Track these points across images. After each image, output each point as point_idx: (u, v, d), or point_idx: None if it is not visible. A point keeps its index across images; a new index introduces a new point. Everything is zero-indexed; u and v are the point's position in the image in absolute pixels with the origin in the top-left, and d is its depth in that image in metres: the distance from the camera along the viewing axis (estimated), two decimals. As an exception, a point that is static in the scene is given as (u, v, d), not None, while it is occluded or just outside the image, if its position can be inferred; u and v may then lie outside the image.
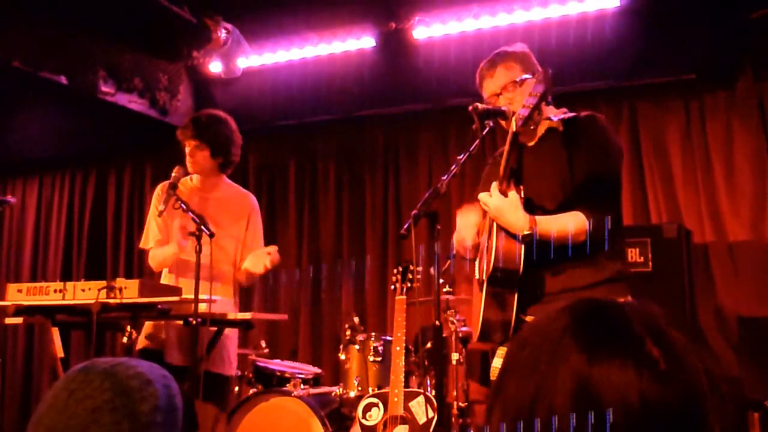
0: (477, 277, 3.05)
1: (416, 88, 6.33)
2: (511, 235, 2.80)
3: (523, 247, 2.78)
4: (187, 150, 4.12)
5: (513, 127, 2.76)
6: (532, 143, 3.05)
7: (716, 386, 0.92)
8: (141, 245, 4.29)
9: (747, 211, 5.48)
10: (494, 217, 2.84)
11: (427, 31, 6.11)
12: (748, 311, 5.27)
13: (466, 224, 3.10)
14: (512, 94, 3.01)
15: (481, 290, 2.92)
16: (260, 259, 4.07)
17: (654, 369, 0.88)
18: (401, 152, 6.77)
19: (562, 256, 2.81)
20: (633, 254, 4.95)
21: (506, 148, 2.79)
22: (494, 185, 2.83)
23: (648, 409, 0.86)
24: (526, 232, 2.75)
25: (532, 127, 2.93)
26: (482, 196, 2.86)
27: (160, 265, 4.17)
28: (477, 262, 3.08)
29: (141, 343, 4.09)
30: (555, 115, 3.01)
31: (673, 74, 5.64)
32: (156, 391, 1.24)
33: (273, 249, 4.09)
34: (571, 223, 2.80)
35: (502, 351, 2.95)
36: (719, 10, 5.31)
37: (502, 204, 2.78)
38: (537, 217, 2.78)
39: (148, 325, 4.12)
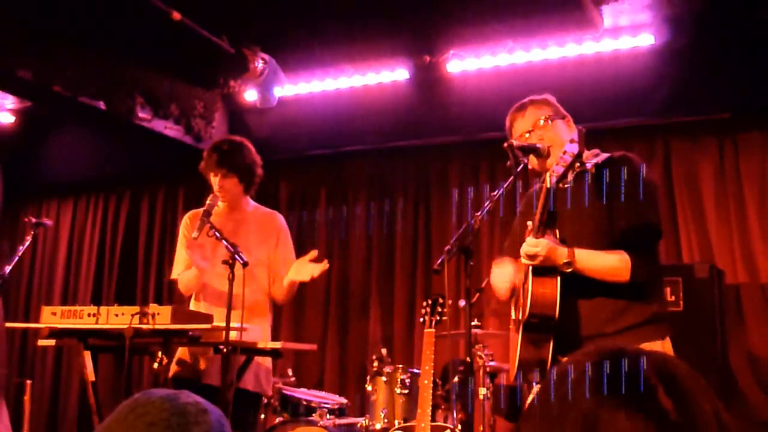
0: (513, 317, 3.04)
1: (448, 121, 6.36)
2: (547, 277, 2.79)
3: (559, 289, 2.77)
4: (216, 180, 4.13)
5: (547, 184, 2.77)
6: (565, 185, 3.04)
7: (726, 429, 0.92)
8: (171, 276, 4.31)
9: (780, 253, 5.43)
10: (541, 260, 2.80)
11: (461, 64, 6.14)
12: (781, 354, 5.20)
13: (501, 278, 3.11)
14: (543, 131, 3.03)
15: (518, 331, 2.92)
16: (305, 268, 4.03)
17: (664, 421, 0.88)
18: (432, 184, 6.78)
19: (598, 302, 2.80)
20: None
21: (540, 203, 2.81)
22: (528, 240, 2.83)
23: None
24: (565, 260, 2.75)
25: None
26: (524, 248, 2.84)
27: (187, 288, 4.19)
28: (513, 302, 3.08)
29: (172, 370, 4.10)
30: (587, 158, 2.99)
31: (708, 113, 5.62)
32: (210, 420, 1.32)
33: (315, 256, 4.04)
34: (613, 259, 2.80)
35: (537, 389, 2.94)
36: (754, 49, 5.30)
37: (539, 242, 2.77)
38: (576, 250, 2.79)
39: (180, 352, 4.14)
